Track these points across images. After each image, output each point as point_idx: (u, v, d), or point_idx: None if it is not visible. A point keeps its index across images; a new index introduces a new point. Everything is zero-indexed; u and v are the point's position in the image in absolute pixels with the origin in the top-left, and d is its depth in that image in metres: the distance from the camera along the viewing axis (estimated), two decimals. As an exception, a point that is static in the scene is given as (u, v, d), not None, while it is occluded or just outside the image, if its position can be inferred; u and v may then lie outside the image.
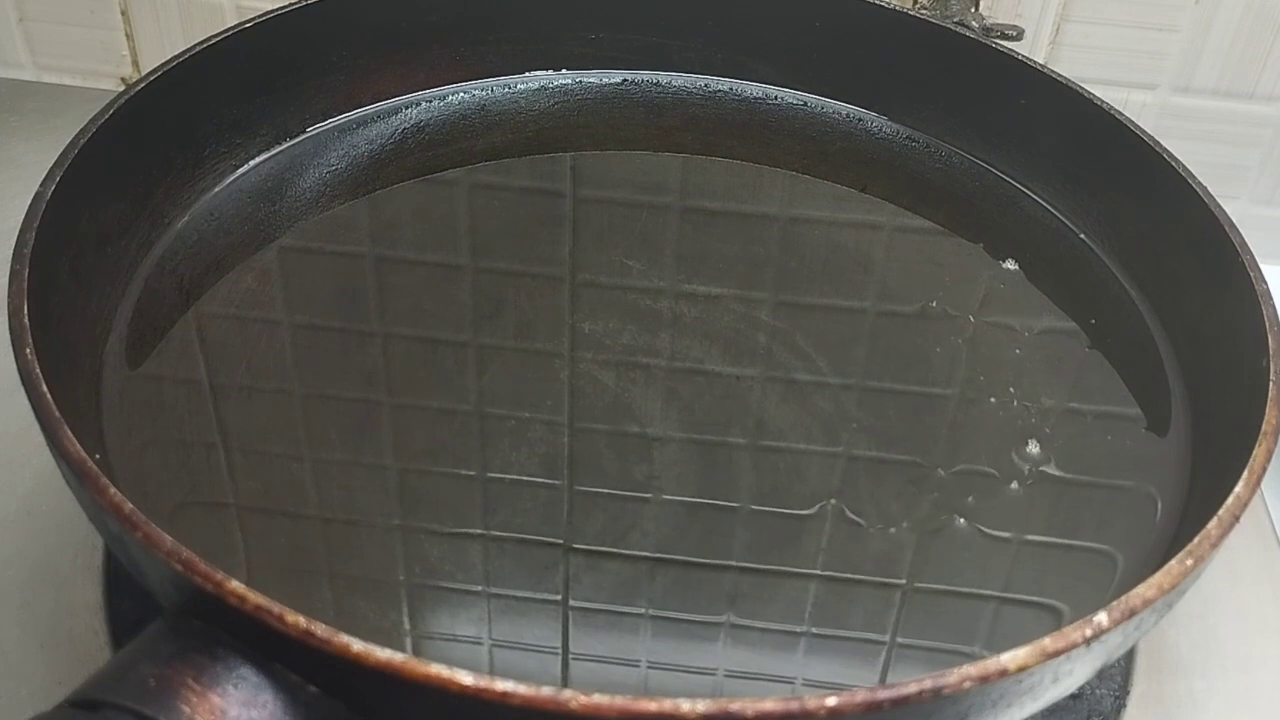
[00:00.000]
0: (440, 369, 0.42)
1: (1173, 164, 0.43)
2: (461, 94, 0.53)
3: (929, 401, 0.41)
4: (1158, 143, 0.44)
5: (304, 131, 0.50)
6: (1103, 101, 0.46)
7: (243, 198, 0.47)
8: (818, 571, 0.36)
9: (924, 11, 0.52)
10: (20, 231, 0.35)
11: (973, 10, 0.54)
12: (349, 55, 0.50)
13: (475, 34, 0.52)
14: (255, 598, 0.26)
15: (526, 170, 0.50)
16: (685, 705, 0.25)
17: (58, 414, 0.30)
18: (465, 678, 0.25)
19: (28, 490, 0.43)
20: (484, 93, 0.53)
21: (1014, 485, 0.39)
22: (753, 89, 0.54)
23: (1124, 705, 0.39)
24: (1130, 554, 0.37)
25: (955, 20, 0.52)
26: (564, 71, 0.54)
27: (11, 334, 0.33)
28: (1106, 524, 0.38)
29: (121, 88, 0.50)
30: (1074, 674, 0.29)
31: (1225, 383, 0.39)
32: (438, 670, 0.25)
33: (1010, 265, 0.46)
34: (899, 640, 0.34)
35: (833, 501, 0.38)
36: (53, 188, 0.37)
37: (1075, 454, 0.40)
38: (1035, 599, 0.36)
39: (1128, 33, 0.58)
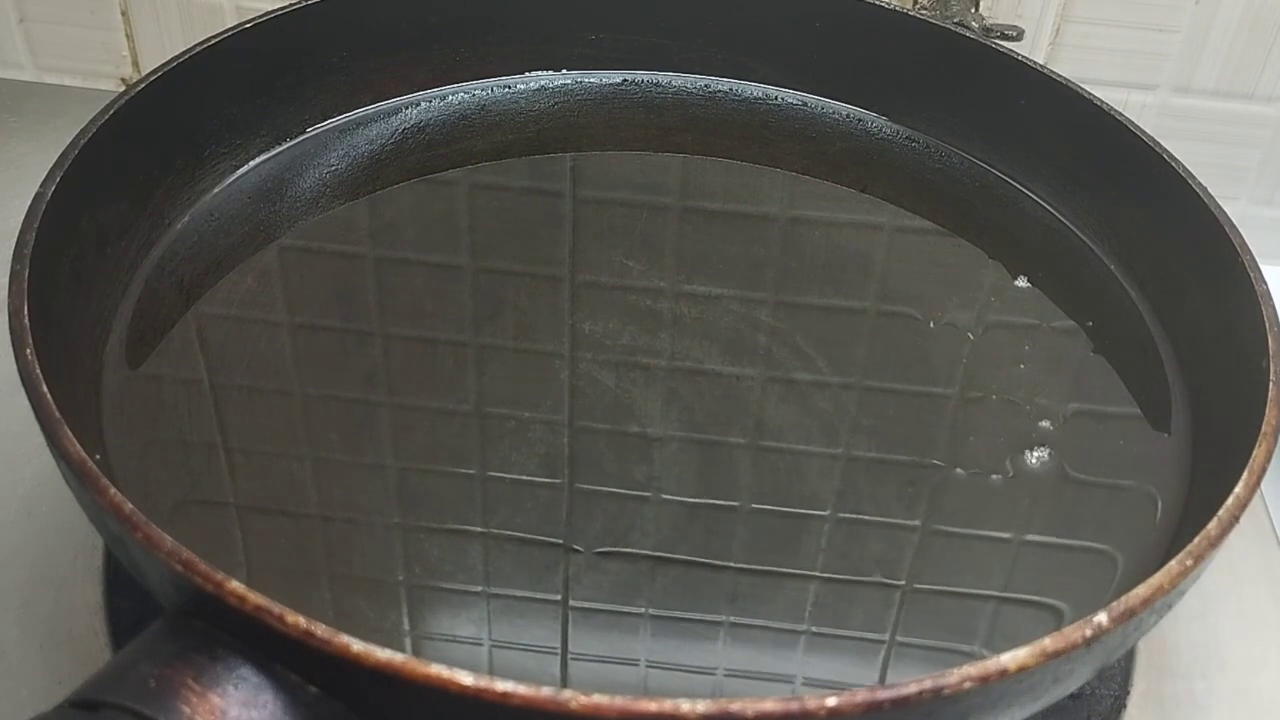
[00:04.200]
0: (440, 369, 0.42)
1: (1173, 164, 0.43)
2: (461, 94, 0.53)
3: (929, 401, 0.41)
4: (1158, 143, 0.44)
5: (304, 132, 0.50)
6: (1103, 102, 0.46)
7: (243, 198, 0.47)
8: (818, 572, 0.36)
9: (924, 11, 0.52)
10: (20, 231, 0.35)
11: (973, 10, 0.54)
12: (349, 55, 0.50)
13: (475, 34, 0.52)
14: (255, 598, 0.26)
15: (526, 170, 0.50)
16: (685, 705, 0.25)
17: (58, 414, 0.30)
18: (465, 678, 0.25)
19: (28, 490, 0.43)
20: (484, 93, 0.53)
21: (1013, 485, 0.39)
22: (753, 89, 0.54)
23: (1124, 705, 0.39)
24: (1130, 554, 0.37)
25: (955, 20, 0.52)
26: (564, 71, 0.54)
27: (11, 334, 0.33)
28: (1106, 524, 0.38)
29: (121, 88, 0.50)
30: (1074, 674, 0.29)
31: (1225, 383, 0.39)
32: (438, 670, 0.25)
33: (1022, 283, 0.46)
34: (899, 640, 0.34)
35: (832, 501, 0.38)
36: (53, 188, 0.37)
37: (1075, 454, 0.40)
38: (1035, 599, 0.36)
39: (1128, 33, 0.58)
